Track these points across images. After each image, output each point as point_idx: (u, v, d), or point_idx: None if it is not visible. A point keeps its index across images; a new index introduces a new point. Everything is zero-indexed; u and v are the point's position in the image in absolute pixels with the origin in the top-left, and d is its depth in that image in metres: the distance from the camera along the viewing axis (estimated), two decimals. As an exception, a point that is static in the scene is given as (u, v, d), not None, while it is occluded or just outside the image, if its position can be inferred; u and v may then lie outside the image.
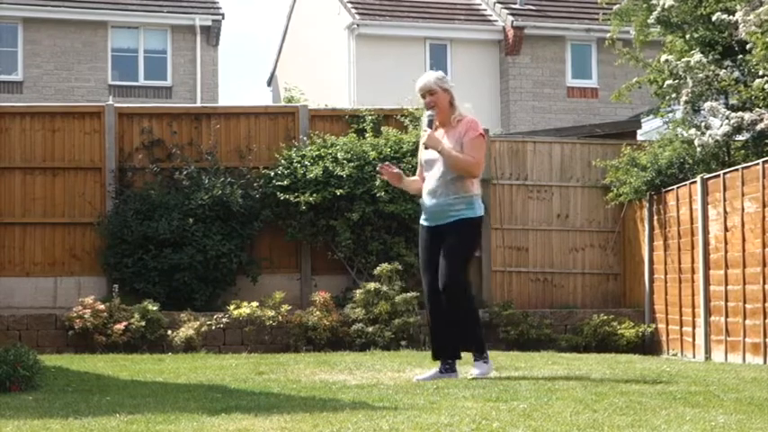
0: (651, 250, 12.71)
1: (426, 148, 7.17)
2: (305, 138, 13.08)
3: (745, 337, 10.24)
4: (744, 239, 10.30)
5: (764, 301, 9.83)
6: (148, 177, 12.92)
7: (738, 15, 10.76)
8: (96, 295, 12.17)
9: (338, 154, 12.63)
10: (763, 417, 4.98)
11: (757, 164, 10.12)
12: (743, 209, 10.35)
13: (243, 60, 66.13)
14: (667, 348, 12.22)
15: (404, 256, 12.42)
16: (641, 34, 12.99)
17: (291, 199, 12.50)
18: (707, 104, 11.43)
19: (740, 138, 11.63)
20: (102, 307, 11.63)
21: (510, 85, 24.48)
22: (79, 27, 24.33)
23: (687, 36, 12.28)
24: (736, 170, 10.59)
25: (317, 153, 12.73)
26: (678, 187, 11.97)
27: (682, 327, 11.84)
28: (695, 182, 11.47)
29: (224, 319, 11.90)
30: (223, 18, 24.97)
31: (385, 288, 11.92)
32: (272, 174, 12.72)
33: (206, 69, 24.90)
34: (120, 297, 12.01)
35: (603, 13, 13.97)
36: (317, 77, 25.68)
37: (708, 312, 11.12)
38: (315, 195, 12.42)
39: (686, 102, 11.75)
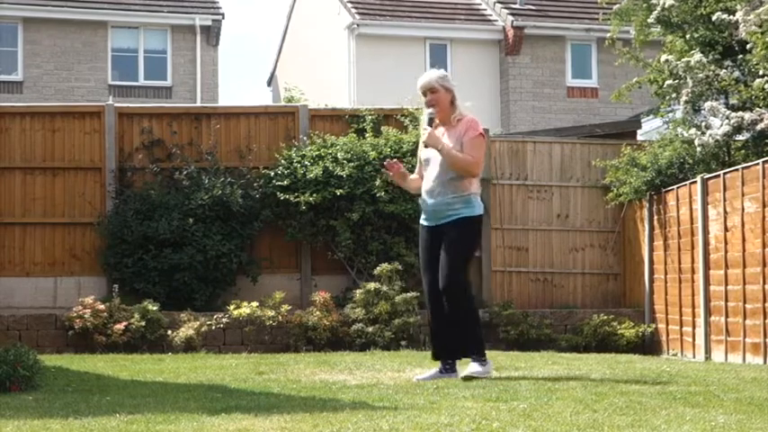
0: (651, 250, 12.71)
1: (426, 146, 7.17)
2: (305, 138, 13.08)
3: (745, 337, 10.24)
4: (744, 239, 10.30)
5: (764, 301, 9.83)
6: (148, 177, 12.92)
7: (738, 15, 10.76)
8: (96, 295, 12.17)
9: (338, 154, 12.63)
10: (763, 417, 4.98)
11: (757, 164, 10.12)
12: (743, 209, 10.35)
13: (243, 60, 66.19)
14: (667, 348, 12.22)
15: (404, 256, 12.42)
16: (641, 34, 12.99)
17: (291, 199, 12.50)
18: (707, 104, 11.44)
19: (740, 138, 11.63)
20: (102, 307, 11.63)
21: (510, 85, 24.48)
22: (79, 27, 24.34)
23: (687, 36, 12.27)
24: (736, 170, 10.59)
25: (317, 153, 12.73)
26: (678, 187, 11.96)
27: (682, 327, 11.84)
28: (695, 182, 11.47)
29: (224, 319, 11.90)
30: (223, 18, 24.98)
31: (385, 288, 11.92)
32: (272, 174, 12.72)
33: (206, 69, 24.90)
34: (120, 297, 12.02)
35: (603, 13, 13.97)
36: (317, 77, 25.68)
37: (708, 312, 11.12)
38: (315, 195, 12.42)
39: (686, 102, 11.75)
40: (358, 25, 23.92)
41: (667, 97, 12.32)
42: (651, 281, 12.75)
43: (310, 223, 12.70)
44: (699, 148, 11.54)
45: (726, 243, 10.71)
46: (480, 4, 25.70)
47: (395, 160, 7.50)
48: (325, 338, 11.71)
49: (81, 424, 4.92)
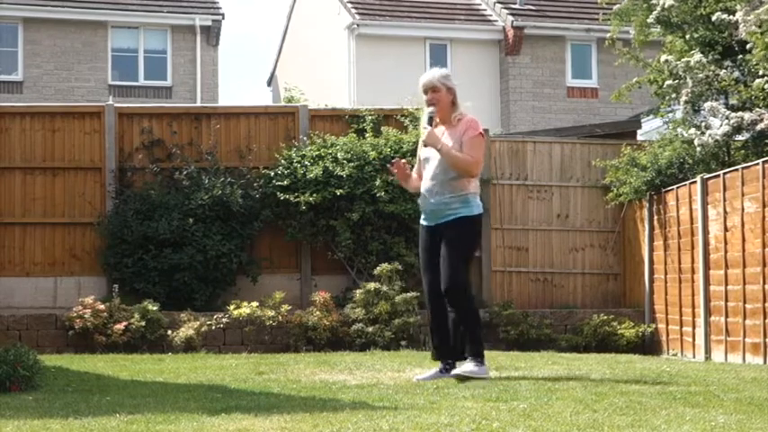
0: (651, 250, 12.71)
1: (425, 145, 7.15)
2: (305, 138, 13.08)
3: (745, 337, 10.24)
4: (744, 239, 10.30)
5: (764, 301, 9.83)
6: (148, 177, 12.93)
7: (738, 15, 10.76)
8: (96, 295, 12.17)
9: (338, 154, 12.63)
10: (763, 417, 4.98)
11: (757, 164, 10.12)
12: (743, 209, 10.35)
13: (243, 60, 66.18)
14: (667, 348, 12.22)
15: (404, 256, 12.42)
16: (641, 34, 12.99)
17: (291, 199, 12.50)
18: (707, 104, 11.44)
19: (740, 138, 11.63)
20: (102, 307, 11.63)
21: (510, 85, 24.48)
22: (79, 27, 24.34)
23: (687, 36, 12.28)
24: (736, 170, 10.59)
25: (317, 153, 12.73)
26: (678, 187, 11.97)
27: (682, 327, 11.84)
28: (695, 182, 11.47)
29: (224, 319, 11.90)
30: (223, 18, 24.98)
31: (385, 288, 11.92)
32: (272, 174, 12.73)
33: (206, 69, 24.90)
34: (120, 297, 12.02)
35: (603, 13, 13.97)
36: (317, 77, 25.68)
37: (708, 312, 11.12)
38: (315, 195, 12.42)
39: (686, 102, 11.75)
40: (358, 25, 23.92)
41: (667, 97, 12.32)
42: (651, 281, 12.75)
43: (310, 223, 12.70)
44: (699, 148, 11.54)
45: (726, 243, 10.71)
46: (480, 4, 25.71)
47: (403, 160, 7.48)
48: (326, 338, 11.72)
49: (81, 424, 4.92)
